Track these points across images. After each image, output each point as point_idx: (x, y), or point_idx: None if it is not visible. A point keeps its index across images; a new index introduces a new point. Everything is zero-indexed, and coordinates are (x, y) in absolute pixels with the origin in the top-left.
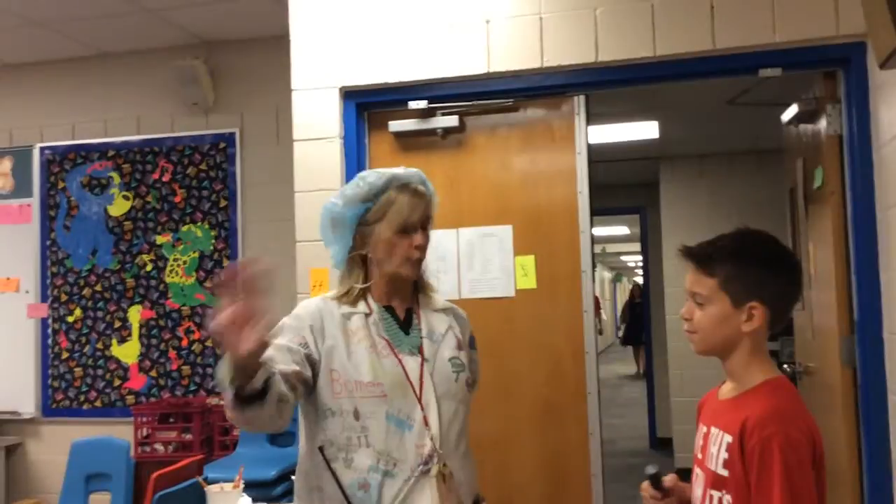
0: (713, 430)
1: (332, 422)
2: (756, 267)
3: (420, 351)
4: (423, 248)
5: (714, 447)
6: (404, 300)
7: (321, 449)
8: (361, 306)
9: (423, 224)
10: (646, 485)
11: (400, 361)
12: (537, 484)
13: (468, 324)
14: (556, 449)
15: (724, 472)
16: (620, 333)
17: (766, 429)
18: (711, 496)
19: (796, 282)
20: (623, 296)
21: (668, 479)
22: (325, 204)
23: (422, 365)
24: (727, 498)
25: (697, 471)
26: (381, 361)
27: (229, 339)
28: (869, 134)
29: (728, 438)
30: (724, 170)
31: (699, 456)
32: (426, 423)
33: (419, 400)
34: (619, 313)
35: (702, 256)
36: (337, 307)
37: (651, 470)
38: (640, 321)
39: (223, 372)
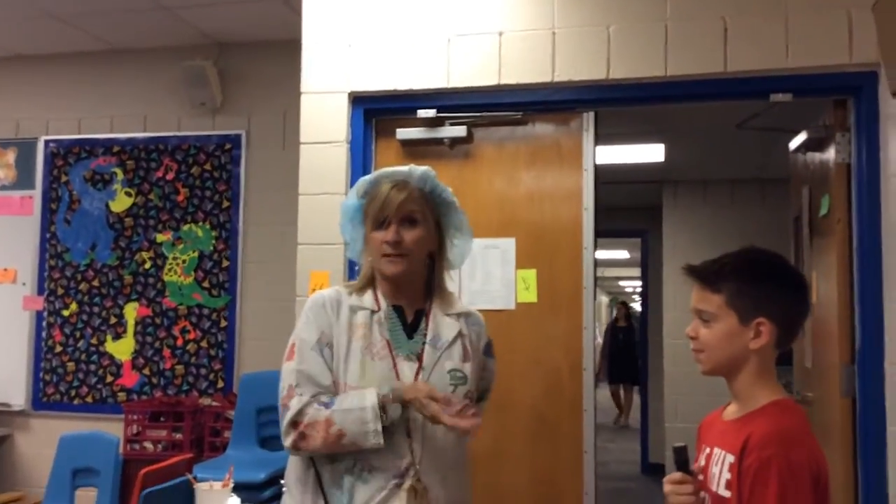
0: (716, 450)
1: None
2: (763, 283)
3: (419, 357)
4: (393, 244)
5: (716, 468)
6: (414, 301)
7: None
8: (369, 301)
9: (404, 218)
10: (671, 477)
11: (395, 365)
12: (528, 501)
13: (484, 330)
14: (548, 466)
15: (727, 494)
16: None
17: (767, 449)
18: None
19: (804, 298)
20: None
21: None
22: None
23: (417, 372)
24: None
25: (701, 493)
26: (373, 363)
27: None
28: (878, 163)
29: (730, 458)
30: (728, 197)
31: (701, 477)
32: (409, 434)
33: (406, 409)
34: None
35: (707, 273)
36: (347, 298)
37: (679, 444)
38: (627, 351)
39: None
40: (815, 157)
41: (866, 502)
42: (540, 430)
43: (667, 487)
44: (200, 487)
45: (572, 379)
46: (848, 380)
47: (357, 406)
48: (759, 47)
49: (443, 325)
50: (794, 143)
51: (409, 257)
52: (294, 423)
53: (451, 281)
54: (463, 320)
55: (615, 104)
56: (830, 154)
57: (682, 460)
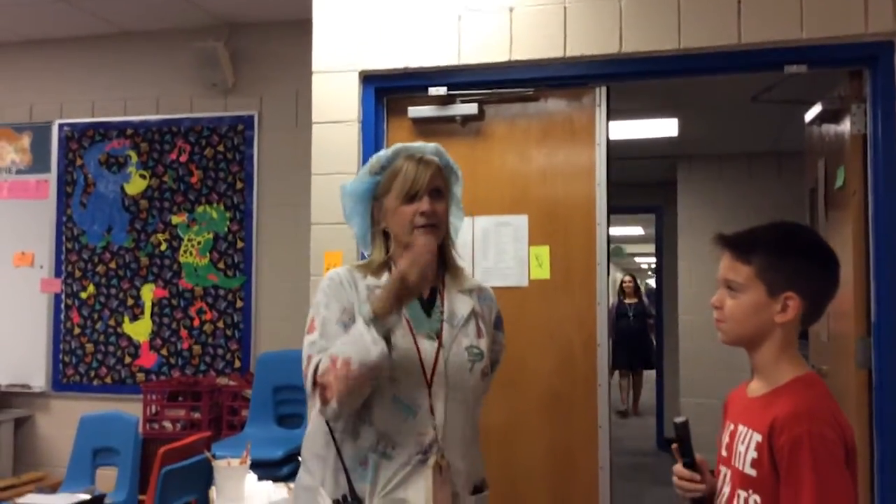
0: (741, 428)
1: None
2: (796, 257)
3: (438, 336)
4: (430, 215)
5: (742, 446)
6: (429, 279)
7: (328, 420)
8: (385, 280)
9: (433, 191)
10: (676, 470)
11: (416, 344)
12: (543, 475)
13: (495, 304)
14: (563, 441)
15: (752, 472)
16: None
17: (797, 427)
18: (739, 495)
19: (834, 276)
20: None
21: (699, 460)
22: (344, 182)
23: (438, 351)
24: (755, 498)
25: (723, 469)
26: (395, 341)
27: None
28: (894, 134)
29: (757, 437)
30: (744, 171)
31: (724, 454)
32: (432, 411)
33: (429, 387)
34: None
35: (740, 243)
36: (362, 278)
37: (679, 419)
38: (640, 331)
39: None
40: (831, 128)
41: (882, 472)
42: (555, 405)
43: (674, 479)
44: (219, 465)
45: (586, 355)
46: (864, 352)
47: (350, 332)
48: (774, 18)
49: (457, 302)
50: (810, 114)
51: (440, 228)
52: (314, 384)
53: (461, 258)
54: (475, 296)
55: (628, 78)
56: (846, 125)
57: (683, 436)
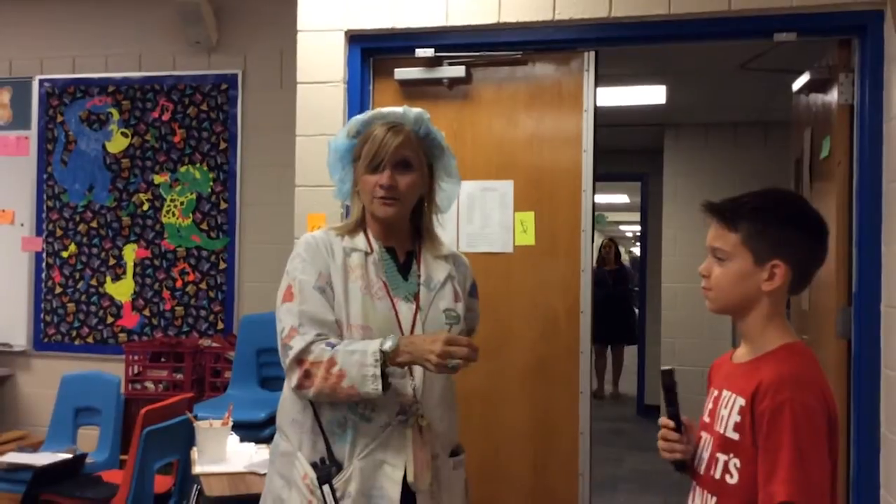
0: (725, 392)
1: None
2: (782, 224)
3: (416, 298)
4: (388, 189)
5: (725, 410)
6: (404, 243)
7: None
8: (362, 243)
9: (399, 162)
10: (661, 421)
11: (394, 306)
12: (525, 440)
13: (470, 271)
14: (545, 406)
15: (735, 436)
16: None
17: (780, 393)
18: (718, 459)
19: (822, 245)
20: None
21: (686, 420)
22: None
23: (415, 313)
24: (735, 461)
25: (704, 435)
26: (374, 304)
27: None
28: (881, 105)
29: (741, 401)
30: (730, 140)
31: (707, 419)
32: (410, 372)
33: None
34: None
35: (726, 211)
36: (339, 241)
37: (665, 367)
38: (621, 301)
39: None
40: (818, 98)
41: (858, 440)
42: (537, 371)
43: (659, 434)
44: (200, 426)
45: (569, 321)
46: (844, 321)
47: (360, 349)
48: None
49: (434, 267)
50: (797, 84)
51: (401, 201)
52: (299, 361)
53: (440, 226)
54: (451, 262)
55: (617, 43)
56: (833, 95)
57: (669, 385)
